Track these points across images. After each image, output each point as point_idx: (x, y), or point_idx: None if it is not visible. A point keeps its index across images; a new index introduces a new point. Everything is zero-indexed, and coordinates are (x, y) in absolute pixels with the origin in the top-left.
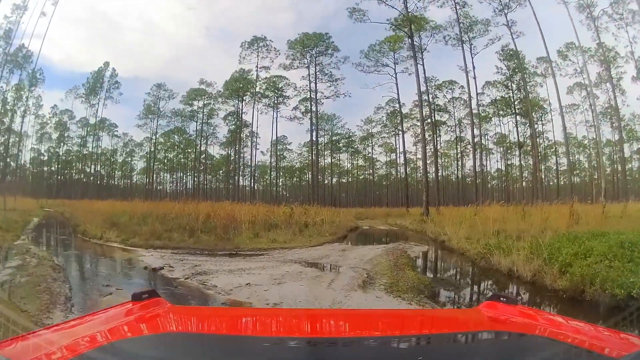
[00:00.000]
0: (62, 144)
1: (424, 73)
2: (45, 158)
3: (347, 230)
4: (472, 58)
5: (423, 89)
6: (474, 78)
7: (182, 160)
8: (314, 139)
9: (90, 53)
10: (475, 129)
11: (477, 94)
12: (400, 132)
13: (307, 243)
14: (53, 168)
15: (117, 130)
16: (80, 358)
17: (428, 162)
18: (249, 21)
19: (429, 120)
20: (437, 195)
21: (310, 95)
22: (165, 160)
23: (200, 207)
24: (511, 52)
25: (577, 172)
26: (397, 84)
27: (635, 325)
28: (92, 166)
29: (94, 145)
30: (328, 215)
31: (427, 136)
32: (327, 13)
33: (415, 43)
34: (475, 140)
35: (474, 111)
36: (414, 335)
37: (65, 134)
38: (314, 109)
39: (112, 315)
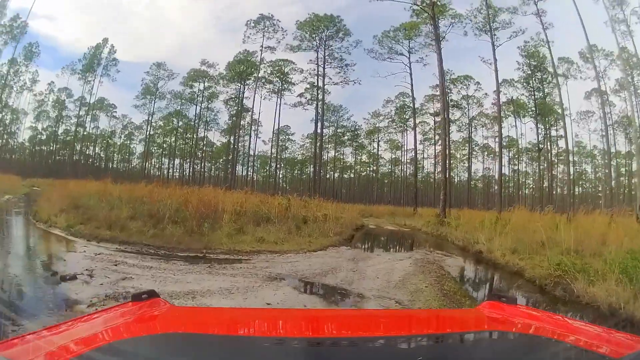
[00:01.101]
0: (60, 122)
1: (441, 63)
2: (44, 137)
3: (353, 229)
4: (494, 51)
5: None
6: (496, 70)
7: (182, 145)
8: (319, 130)
9: (97, 37)
10: (496, 128)
11: (499, 91)
12: (409, 128)
13: (305, 246)
14: (52, 147)
15: (115, 111)
16: (80, 358)
17: (434, 162)
18: (255, 13)
19: (443, 116)
20: (448, 198)
21: (317, 81)
22: (164, 145)
23: (176, 192)
24: (538, 44)
25: (583, 181)
26: (410, 74)
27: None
28: (91, 147)
29: (92, 126)
30: (332, 211)
31: (440, 133)
32: (337, 6)
33: (436, 28)
34: (494, 140)
35: (497, 107)
36: (414, 335)
37: (64, 113)
38: (320, 96)
39: (112, 316)
